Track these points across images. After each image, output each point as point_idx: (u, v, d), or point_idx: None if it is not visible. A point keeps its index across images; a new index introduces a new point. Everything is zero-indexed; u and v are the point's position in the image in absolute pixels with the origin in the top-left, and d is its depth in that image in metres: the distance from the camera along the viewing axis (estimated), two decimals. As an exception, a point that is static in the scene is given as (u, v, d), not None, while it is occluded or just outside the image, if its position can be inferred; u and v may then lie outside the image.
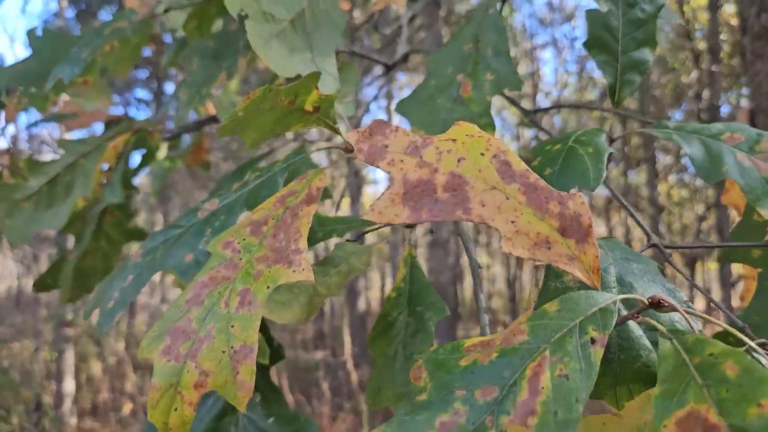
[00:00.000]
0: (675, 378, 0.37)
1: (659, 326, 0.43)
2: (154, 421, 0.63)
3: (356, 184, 8.84)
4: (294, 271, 0.65)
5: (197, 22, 1.51)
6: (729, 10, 8.83)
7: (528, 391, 0.40)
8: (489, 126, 0.91)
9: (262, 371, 1.22)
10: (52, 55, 1.46)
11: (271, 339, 1.20)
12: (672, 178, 11.35)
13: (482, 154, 0.55)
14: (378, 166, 0.55)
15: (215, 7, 1.48)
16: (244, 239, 0.71)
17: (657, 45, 0.80)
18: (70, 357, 6.85)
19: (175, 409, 0.62)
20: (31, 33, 1.51)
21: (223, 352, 0.62)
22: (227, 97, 1.41)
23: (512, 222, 0.52)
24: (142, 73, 9.25)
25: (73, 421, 6.81)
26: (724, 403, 0.33)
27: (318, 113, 0.75)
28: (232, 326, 0.63)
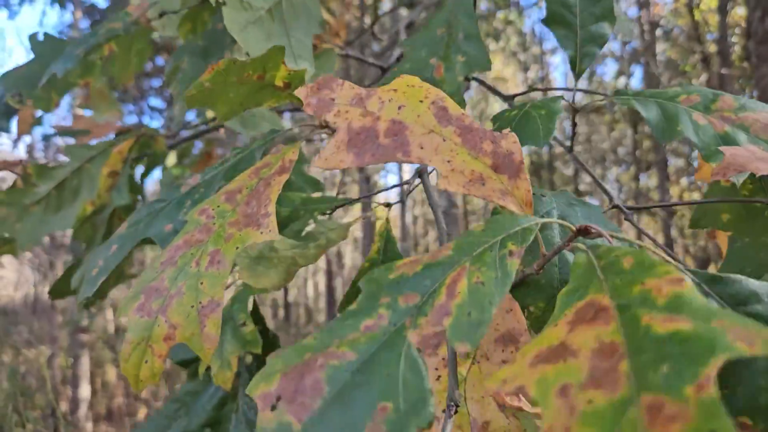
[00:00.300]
0: (582, 278, 0.40)
1: (580, 245, 0.46)
2: (126, 374, 0.67)
3: (368, 190, 8.90)
4: (262, 233, 0.69)
5: (191, 25, 1.55)
6: (740, 12, 8.80)
7: (445, 296, 0.43)
8: (460, 104, 0.94)
9: (259, 360, 1.26)
10: (54, 58, 1.51)
11: (266, 330, 1.25)
12: (684, 181, 11.29)
13: (421, 102, 0.59)
14: (325, 118, 0.59)
15: (208, 10, 1.52)
16: (218, 206, 0.75)
17: (615, 20, 0.83)
18: (85, 363, 6.94)
19: (146, 362, 0.66)
20: (32, 38, 1.56)
21: (192, 307, 0.66)
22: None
23: (448, 161, 0.55)
24: (156, 82, 9.38)
25: (88, 426, 6.89)
26: (616, 288, 0.35)
27: (289, 89, 0.79)
28: (202, 283, 0.67)
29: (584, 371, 0.29)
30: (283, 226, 0.99)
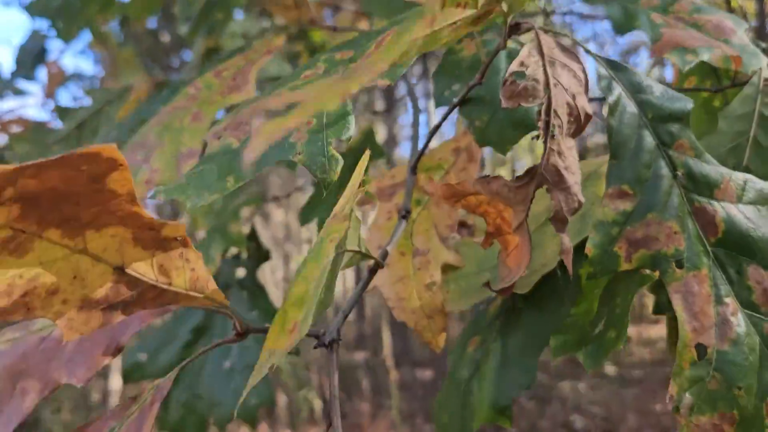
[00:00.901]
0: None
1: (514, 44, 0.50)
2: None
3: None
4: (241, 94, 0.76)
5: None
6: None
7: (374, 47, 0.50)
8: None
9: (252, 272, 1.33)
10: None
11: (259, 245, 1.32)
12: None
13: None
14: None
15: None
16: (207, 81, 0.82)
17: None
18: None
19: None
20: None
21: (172, 155, 0.73)
22: (232, 40, 1.58)
23: None
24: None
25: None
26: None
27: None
28: (183, 136, 0.74)
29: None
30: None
